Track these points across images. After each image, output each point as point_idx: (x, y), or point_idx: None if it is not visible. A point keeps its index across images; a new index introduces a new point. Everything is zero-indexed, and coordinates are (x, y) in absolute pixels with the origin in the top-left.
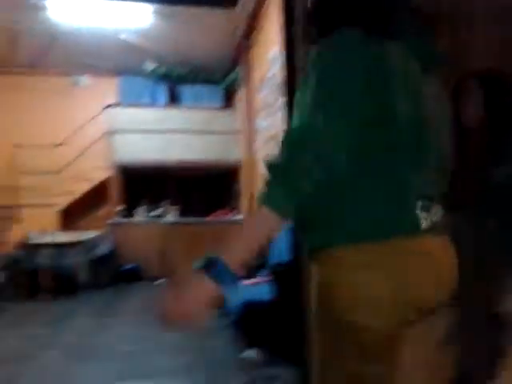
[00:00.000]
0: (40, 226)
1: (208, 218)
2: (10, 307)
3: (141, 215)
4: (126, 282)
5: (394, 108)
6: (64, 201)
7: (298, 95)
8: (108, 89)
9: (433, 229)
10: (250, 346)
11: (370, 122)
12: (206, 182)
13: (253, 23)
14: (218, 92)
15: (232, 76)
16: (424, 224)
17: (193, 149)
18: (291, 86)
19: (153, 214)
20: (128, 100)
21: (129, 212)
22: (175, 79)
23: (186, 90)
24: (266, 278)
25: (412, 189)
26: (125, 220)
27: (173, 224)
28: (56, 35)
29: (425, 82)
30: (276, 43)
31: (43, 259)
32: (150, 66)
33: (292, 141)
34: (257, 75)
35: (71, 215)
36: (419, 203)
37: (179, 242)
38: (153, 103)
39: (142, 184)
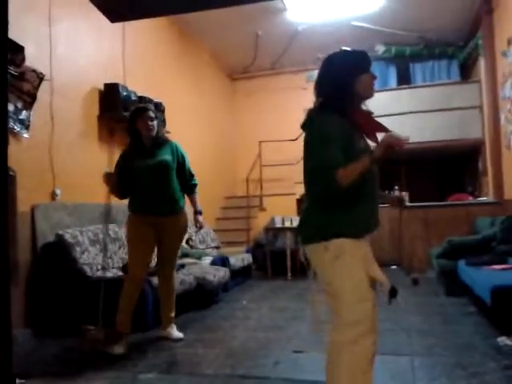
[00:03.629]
0: (282, 212)
1: (444, 202)
2: (258, 284)
3: None
4: None
5: None
6: (300, 189)
7: None
8: None
9: None
10: (504, 333)
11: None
12: (443, 163)
13: None
14: (453, 66)
15: (471, 45)
16: None
17: (428, 129)
18: None
19: None
20: None
21: None
22: (406, 58)
23: (419, 68)
24: None
25: None
26: None
27: (407, 208)
28: (294, 34)
29: None
30: None
31: (285, 242)
32: (380, 48)
33: None
34: (502, 40)
35: None
36: None
37: (414, 227)
38: (384, 86)
39: None
